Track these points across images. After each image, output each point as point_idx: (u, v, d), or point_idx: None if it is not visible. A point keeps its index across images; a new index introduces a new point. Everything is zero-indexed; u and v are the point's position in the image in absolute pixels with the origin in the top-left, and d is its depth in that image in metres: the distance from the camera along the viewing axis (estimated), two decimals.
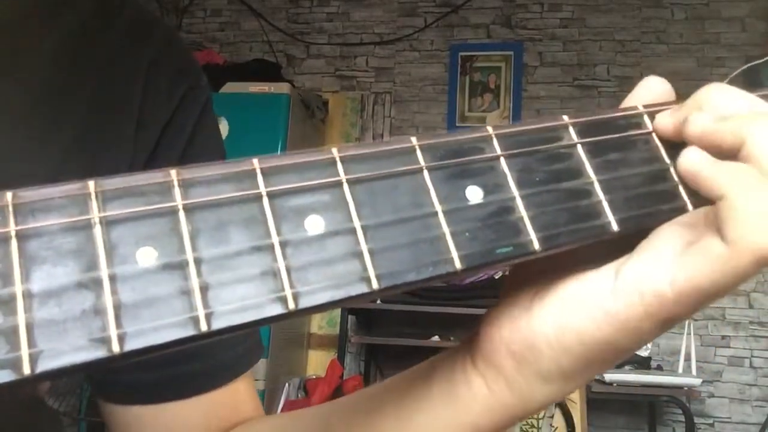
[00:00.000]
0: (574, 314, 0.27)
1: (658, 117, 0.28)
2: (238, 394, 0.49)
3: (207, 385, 0.47)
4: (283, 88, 2.83)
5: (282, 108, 2.78)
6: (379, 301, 2.71)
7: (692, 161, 0.26)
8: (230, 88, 2.80)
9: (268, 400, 2.63)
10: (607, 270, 0.27)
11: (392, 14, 3.31)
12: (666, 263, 0.25)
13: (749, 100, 0.27)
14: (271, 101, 2.78)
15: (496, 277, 2.59)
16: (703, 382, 2.52)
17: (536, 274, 0.30)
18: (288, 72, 3.27)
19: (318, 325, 3.14)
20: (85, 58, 0.44)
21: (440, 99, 3.21)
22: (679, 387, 2.40)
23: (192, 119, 0.49)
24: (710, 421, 2.80)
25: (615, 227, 0.26)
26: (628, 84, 3.02)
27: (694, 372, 2.57)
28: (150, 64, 0.47)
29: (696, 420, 2.63)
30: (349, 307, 2.66)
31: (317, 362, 3.07)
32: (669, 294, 0.25)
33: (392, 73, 3.28)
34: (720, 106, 0.27)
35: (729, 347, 2.83)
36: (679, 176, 0.27)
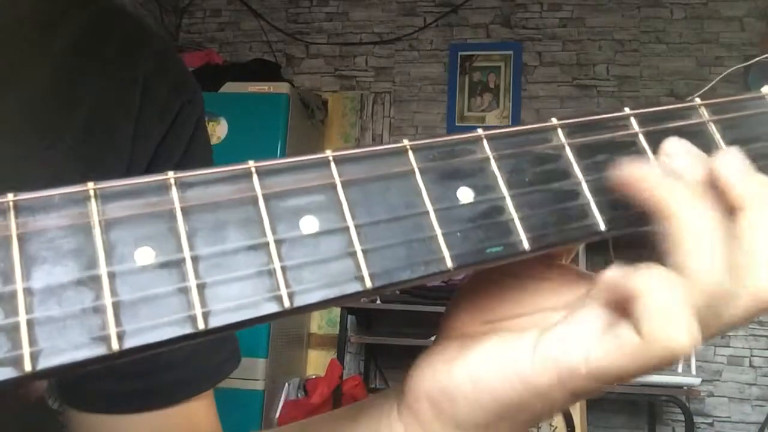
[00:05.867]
0: (491, 372, 0.28)
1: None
2: (195, 413, 0.49)
3: (159, 401, 0.47)
4: (282, 87, 2.83)
5: (281, 108, 2.78)
6: (378, 301, 2.71)
7: (607, 278, 0.26)
8: (229, 87, 2.80)
9: (267, 400, 2.63)
10: (529, 335, 0.28)
11: (391, 14, 3.31)
12: (584, 340, 0.26)
13: (748, 180, 0.27)
14: (271, 101, 2.78)
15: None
16: (702, 381, 2.52)
17: (469, 322, 0.32)
18: (287, 72, 3.27)
19: (318, 324, 3.14)
20: (83, 71, 0.45)
21: (440, 99, 3.21)
22: (679, 386, 2.40)
23: (187, 134, 0.49)
24: (710, 420, 2.80)
25: (602, 227, 0.27)
26: (627, 83, 3.04)
27: (693, 371, 2.57)
28: (146, 79, 0.47)
29: (696, 419, 2.63)
30: (343, 305, 2.66)
31: (317, 362, 3.07)
32: (582, 371, 0.26)
33: (392, 72, 3.28)
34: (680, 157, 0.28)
35: (728, 346, 2.83)
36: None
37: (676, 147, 0.28)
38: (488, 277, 0.32)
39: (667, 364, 0.25)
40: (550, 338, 0.27)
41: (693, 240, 0.25)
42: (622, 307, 0.26)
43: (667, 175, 0.27)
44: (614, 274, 0.26)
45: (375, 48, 3.30)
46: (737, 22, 3.01)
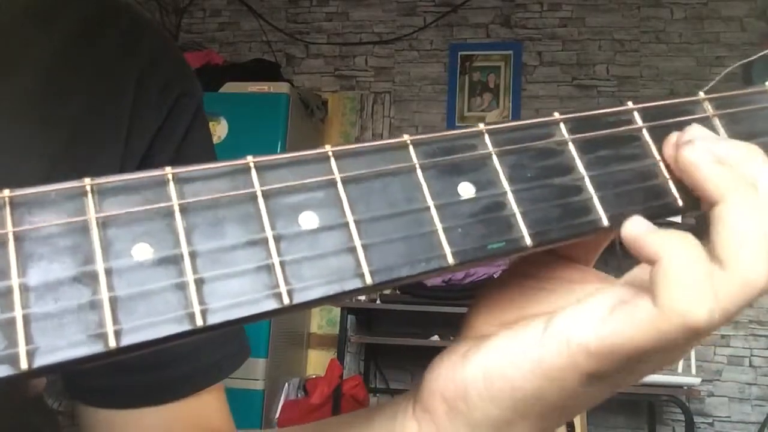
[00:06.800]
0: (502, 363, 0.28)
1: (677, 136, 0.29)
2: (205, 407, 0.49)
3: (167, 395, 0.47)
4: (282, 87, 2.83)
5: (281, 108, 2.78)
6: (378, 301, 2.71)
7: (631, 228, 0.25)
8: (229, 87, 2.80)
9: (267, 400, 2.63)
10: (538, 321, 0.28)
11: (391, 14, 3.31)
12: (596, 317, 0.26)
13: (751, 157, 0.27)
14: (271, 101, 2.78)
15: (496, 277, 2.59)
16: (702, 381, 2.52)
17: (486, 324, 0.31)
18: (287, 72, 3.27)
19: (318, 324, 3.14)
20: (79, 65, 0.45)
21: (440, 98, 3.21)
22: (679, 386, 2.40)
23: (182, 127, 0.49)
24: (710, 420, 2.80)
25: (605, 223, 0.27)
26: (627, 83, 3.04)
27: (693, 371, 2.57)
28: (141, 72, 0.47)
29: (696, 419, 2.63)
30: (343, 301, 2.67)
31: (317, 362, 3.07)
32: (593, 347, 0.25)
33: (391, 72, 3.28)
34: (727, 149, 0.27)
35: (728, 346, 2.83)
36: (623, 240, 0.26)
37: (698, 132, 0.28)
38: (507, 281, 0.32)
39: (682, 341, 0.24)
40: (560, 318, 0.27)
41: (746, 232, 0.25)
42: (636, 283, 0.26)
43: (725, 161, 0.26)
44: (638, 228, 0.25)
45: (375, 48, 3.30)
46: (737, 22, 3.01)
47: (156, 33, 0.51)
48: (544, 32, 3.18)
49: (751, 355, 2.82)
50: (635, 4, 3.11)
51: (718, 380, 2.81)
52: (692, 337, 0.24)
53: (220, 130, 2.71)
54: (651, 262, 0.24)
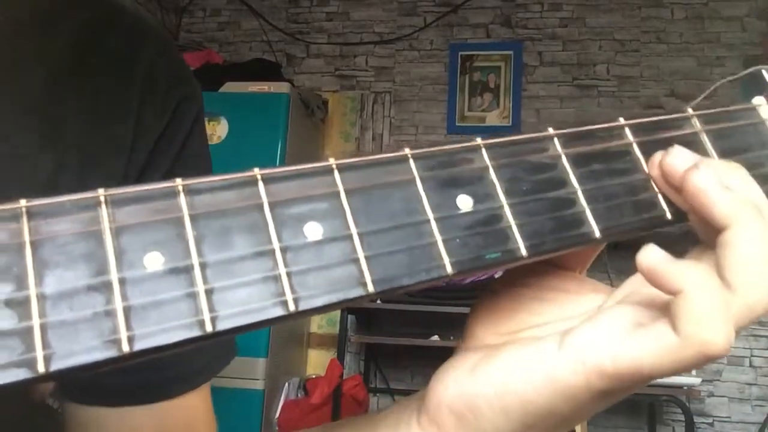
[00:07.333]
0: (516, 376, 0.28)
1: (668, 158, 0.29)
2: (193, 407, 0.50)
3: (158, 394, 0.48)
4: (282, 87, 2.84)
5: (281, 107, 2.78)
6: (378, 301, 2.72)
7: (648, 259, 0.25)
8: (230, 87, 2.80)
9: (267, 399, 2.64)
10: (553, 336, 0.28)
11: (392, 13, 3.31)
12: (613, 338, 0.26)
13: (752, 184, 0.28)
14: (271, 101, 2.79)
15: (497, 277, 2.59)
16: (702, 381, 2.53)
17: (488, 334, 0.32)
18: (288, 71, 3.28)
19: (318, 324, 3.15)
20: (82, 71, 0.45)
21: (440, 98, 3.22)
22: (679, 386, 2.41)
23: (184, 131, 0.49)
24: (710, 420, 2.81)
25: (597, 235, 0.28)
26: (627, 83, 3.05)
27: (693, 371, 2.58)
28: (144, 77, 0.47)
29: (696, 419, 2.64)
30: (346, 307, 2.66)
31: (317, 362, 3.07)
32: (609, 369, 0.26)
33: (392, 72, 3.28)
34: (725, 173, 0.28)
35: None
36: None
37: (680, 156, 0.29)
38: (504, 290, 0.33)
39: (695, 367, 0.25)
40: (576, 337, 0.27)
41: (754, 256, 0.26)
42: (649, 305, 0.27)
43: (730, 186, 0.27)
44: (655, 260, 0.25)
45: (375, 48, 3.31)
46: (738, 22, 3.02)
47: (158, 36, 0.51)
48: (545, 32, 3.19)
49: (752, 356, 2.82)
50: (636, 4, 3.12)
51: (718, 380, 2.82)
52: (708, 362, 0.25)
53: (220, 130, 2.71)
54: (671, 293, 0.25)
